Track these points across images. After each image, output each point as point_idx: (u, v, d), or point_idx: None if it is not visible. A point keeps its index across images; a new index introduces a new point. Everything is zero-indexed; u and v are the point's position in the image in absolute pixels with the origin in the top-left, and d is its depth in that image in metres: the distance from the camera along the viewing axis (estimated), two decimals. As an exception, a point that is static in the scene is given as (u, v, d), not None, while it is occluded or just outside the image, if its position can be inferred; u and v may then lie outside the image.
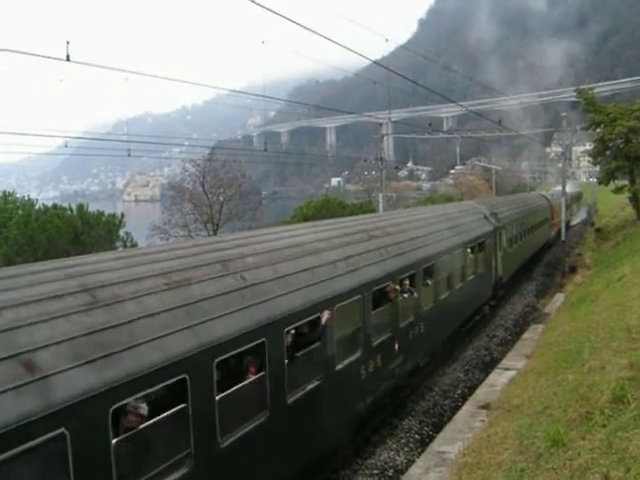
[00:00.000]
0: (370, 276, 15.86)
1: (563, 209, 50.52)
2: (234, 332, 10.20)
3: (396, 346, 17.46)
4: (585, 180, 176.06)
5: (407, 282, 18.48)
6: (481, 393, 18.36)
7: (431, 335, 20.81)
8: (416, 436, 17.73)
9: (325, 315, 13.02)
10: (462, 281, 24.98)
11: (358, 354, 15.01)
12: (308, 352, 12.84)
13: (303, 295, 12.78)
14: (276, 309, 11.63)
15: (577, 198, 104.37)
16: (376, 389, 16.18)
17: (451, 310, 23.55)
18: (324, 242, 15.38)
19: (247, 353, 10.98)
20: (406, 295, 18.41)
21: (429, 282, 20.75)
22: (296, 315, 12.22)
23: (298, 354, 12.48)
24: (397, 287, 17.41)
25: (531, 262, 47.84)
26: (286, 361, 11.85)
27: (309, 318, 12.78)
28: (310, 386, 12.83)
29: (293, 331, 12.44)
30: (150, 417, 8.38)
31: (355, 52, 23.60)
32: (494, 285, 32.04)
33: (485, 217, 31.39)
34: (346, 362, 14.38)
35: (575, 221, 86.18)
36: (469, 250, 26.11)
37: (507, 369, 20.58)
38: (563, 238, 49.70)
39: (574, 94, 57.61)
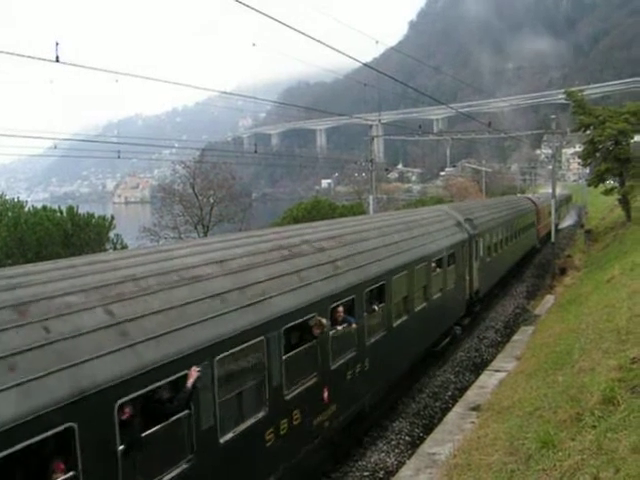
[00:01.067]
0: (280, 309, 12.09)
1: (553, 210, 50.55)
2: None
3: (325, 394, 14.06)
4: (574, 182, 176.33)
5: (341, 310, 14.81)
6: (471, 395, 18.39)
7: (381, 372, 17.33)
8: (407, 438, 17.74)
9: (193, 374, 9.38)
10: (425, 301, 21.47)
11: (260, 415, 11.50)
12: (165, 427, 9.11)
13: (158, 348, 9.03)
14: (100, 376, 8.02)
15: (566, 201, 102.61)
16: (292, 456, 12.67)
17: (410, 337, 19.90)
18: (213, 266, 11.61)
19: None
20: (341, 327, 14.93)
21: (377, 307, 17.17)
22: (138, 381, 8.50)
23: (154, 431, 8.92)
24: (324, 320, 13.64)
25: (516, 269, 45.97)
26: (119, 449, 8.21)
27: (163, 381, 9.06)
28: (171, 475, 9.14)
29: (134, 401, 8.58)
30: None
31: (345, 54, 23.63)
32: (468, 301, 28.93)
33: (458, 224, 28.27)
34: (238, 430, 10.84)
35: (564, 224, 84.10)
36: (435, 263, 22.83)
37: (497, 371, 20.62)
38: (553, 240, 49.76)
39: (564, 96, 57.84)
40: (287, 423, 12.30)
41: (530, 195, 72.18)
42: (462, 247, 27.27)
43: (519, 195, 75.16)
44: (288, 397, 12.35)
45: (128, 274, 9.82)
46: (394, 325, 18.38)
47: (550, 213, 59.15)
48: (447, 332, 25.79)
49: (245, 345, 10.90)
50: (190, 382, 9.36)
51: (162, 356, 8.95)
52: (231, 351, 10.48)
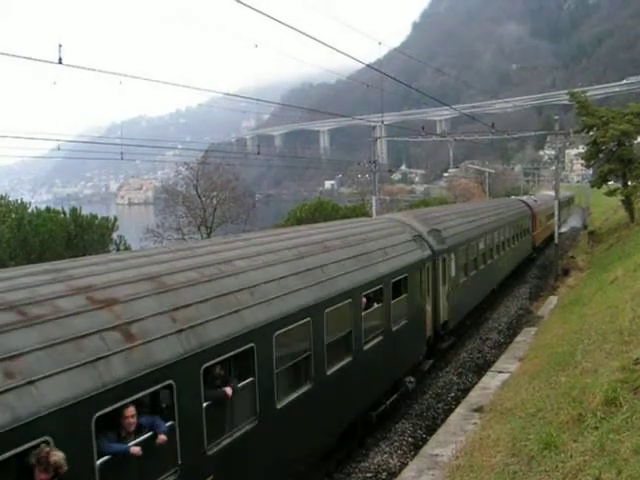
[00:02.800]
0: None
1: (556, 212, 50.30)
2: None
3: None
4: (577, 182, 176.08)
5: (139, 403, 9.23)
6: (474, 396, 18.39)
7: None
8: (409, 439, 17.75)
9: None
10: (349, 356, 15.33)
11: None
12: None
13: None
14: None
15: (567, 203, 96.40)
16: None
17: (315, 417, 13.91)
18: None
19: None
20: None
21: (246, 381, 11.29)
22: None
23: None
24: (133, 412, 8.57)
25: (505, 283, 40.59)
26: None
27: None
28: None
29: None
30: None
31: (349, 55, 23.64)
32: (431, 338, 23.05)
33: (416, 238, 21.99)
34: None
35: (564, 228, 74.30)
36: (370, 297, 16.95)
37: (500, 372, 20.62)
38: (556, 241, 49.67)
39: (567, 97, 57.80)
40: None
41: (525, 197, 64.19)
42: (420, 269, 21.15)
43: (513, 197, 67.43)
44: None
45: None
46: (278, 407, 12.16)
47: (549, 217, 59.09)
48: (394, 387, 19.35)
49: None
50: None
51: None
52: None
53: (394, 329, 18.49)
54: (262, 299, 11.90)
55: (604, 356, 14.09)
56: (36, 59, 20.20)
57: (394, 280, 18.57)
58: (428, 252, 22.33)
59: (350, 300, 15.25)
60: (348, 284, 15.36)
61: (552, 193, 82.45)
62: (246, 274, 12.24)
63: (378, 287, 17.30)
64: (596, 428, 10.01)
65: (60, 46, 18.30)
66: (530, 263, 52.83)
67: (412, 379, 20.44)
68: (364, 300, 16.35)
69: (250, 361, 11.23)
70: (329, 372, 14.27)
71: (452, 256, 25.71)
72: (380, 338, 17.40)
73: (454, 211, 33.65)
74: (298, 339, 13.26)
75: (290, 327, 12.53)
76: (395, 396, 19.23)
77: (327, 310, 13.98)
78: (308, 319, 13.21)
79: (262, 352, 11.42)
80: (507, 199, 63.67)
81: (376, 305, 17.35)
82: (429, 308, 22.53)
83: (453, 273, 25.83)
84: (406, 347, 19.91)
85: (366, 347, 16.34)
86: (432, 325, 23.00)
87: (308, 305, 13.25)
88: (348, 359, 15.26)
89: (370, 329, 16.71)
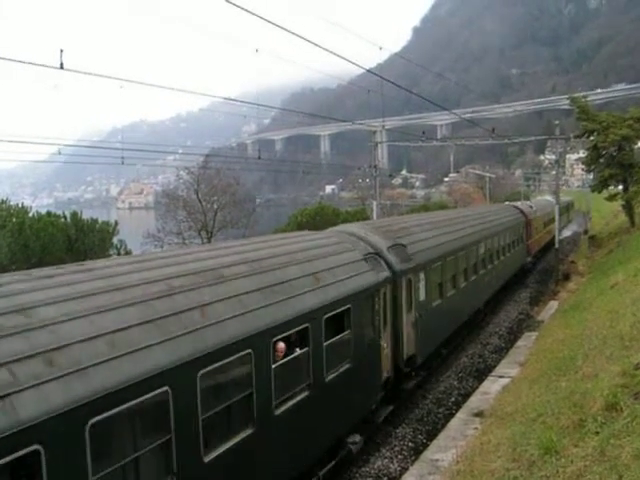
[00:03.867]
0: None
1: (557, 217, 50.26)
2: None
3: None
4: (577, 187, 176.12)
5: None
6: (475, 401, 18.40)
7: None
8: (410, 444, 17.75)
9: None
10: (246, 428, 11.22)
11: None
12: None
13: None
14: None
15: (567, 208, 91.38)
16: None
17: None
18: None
19: None
20: None
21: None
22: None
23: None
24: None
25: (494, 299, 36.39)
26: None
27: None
28: None
29: None
30: None
31: (349, 60, 23.70)
32: (390, 379, 18.70)
33: (370, 257, 17.92)
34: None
35: (562, 235, 66.34)
36: (292, 338, 13.33)
37: (501, 377, 20.63)
38: (557, 246, 49.60)
39: (567, 102, 57.87)
40: None
41: (519, 203, 57.56)
42: (372, 297, 16.97)
43: (506, 203, 60.46)
44: None
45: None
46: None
47: (546, 224, 58.22)
48: (333, 452, 15.21)
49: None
50: None
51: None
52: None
53: (329, 379, 14.29)
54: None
55: (605, 361, 14.09)
56: (38, 64, 20.24)
57: (329, 315, 14.18)
58: (386, 273, 18.09)
59: (250, 351, 11.11)
60: (246, 328, 11.18)
61: (549, 198, 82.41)
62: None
63: (302, 326, 13.15)
64: (597, 433, 10.00)
65: (62, 51, 18.35)
66: (525, 274, 48.91)
67: (358, 438, 15.98)
68: (281, 346, 12.49)
69: None
70: (208, 459, 10.01)
71: (421, 276, 21.29)
72: (305, 394, 13.20)
73: (428, 220, 28.57)
74: (146, 424, 9.30)
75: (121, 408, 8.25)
76: (332, 464, 14.86)
77: (202, 372, 9.80)
78: (166, 389, 9.01)
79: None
80: (498, 205, 57.55)
81: (299, 351, 13.28)
82: (386, 343, 17.95)
83: (423, 296, 21.34)
84: (349, 398, 15.55)
85: (279, 411, 12.17)
86: (391, 363, 18.49)
87: (165, 368, 9.02)
88: (246, 432, 11.06)
89: (287, 385, 12.58)
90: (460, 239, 28.18)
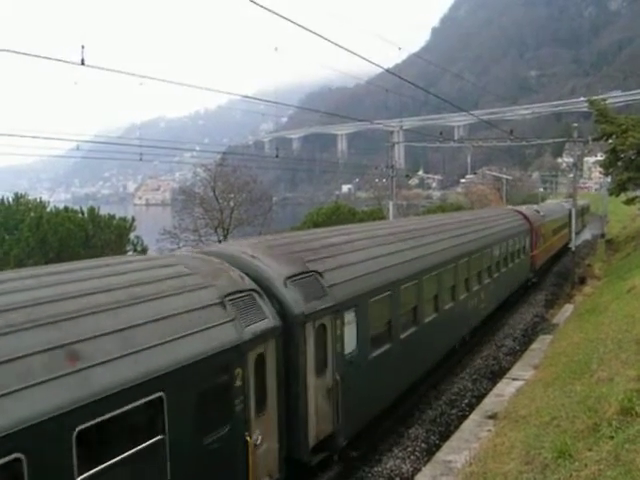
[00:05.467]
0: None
1: (573, 221, 49.88)
2: None
3: None
4: (595, 190, 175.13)
5: None
6: (488, 403, 18.35)
7: None
8: (423, 445, 17.70)
9: None
10: None
11: None
12: None
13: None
14: None
15: (582, 212, 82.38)
16: None
17: None
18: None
19: None
20: None
21: None
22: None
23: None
24: None
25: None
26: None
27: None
28: None
29: None
30: None
31: (368, 60, 23.66)
32: None
33: (233, 298, 11.50)
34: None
35: (577, 241, 56.92)
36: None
37: (515, 379, 20.56)
38: (573, 248, 49.29)
39: (586, 104, 57.62)
40: None
41: (525, 207, 49.01)
42: (227, 367, 10.65)
43: (510, 207, 51.91)
44: None
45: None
46: None
47: (556, 231, 54.07)
48: None
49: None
50: None
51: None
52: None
53: None
54: None
55: (620, 365, 14.04)
56: (59, 60, 20.35)
57: (96, 422, 7.85)
58: (267, 322, 11.85)
59: None
60: None
61: (559, 201, 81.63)
62: None
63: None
64: (611, 437, 9.97)
65: (83, 47, 18.45)
66: (528, 290, 42.22)
67: None
68: None
69: None
70: None
71: (348, 317, 14.73)
72: None
73: (375, 233, 20.46)
74: None
75: None
76: None
77: None
78: None
79: None
80: (496, 210, 48.73)
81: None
82: (263, 436, 11.51)
83: (351, 347, 14.79)
84: None
85: None
86: (278, 461, 12.10)
87: None
88: None
89: None
90: (427, 257, 21.10)
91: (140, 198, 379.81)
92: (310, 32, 18.05)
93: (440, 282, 21.99)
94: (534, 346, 26.23)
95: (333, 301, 13.93)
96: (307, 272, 13.92)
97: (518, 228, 38.21)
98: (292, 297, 12.84)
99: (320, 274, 14.24)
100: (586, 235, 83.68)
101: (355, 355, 14.97)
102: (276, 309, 12.31)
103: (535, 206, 54.31)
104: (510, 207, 51.26)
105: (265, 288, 12.54)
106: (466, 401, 21.32)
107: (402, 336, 18.13)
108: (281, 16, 16.47)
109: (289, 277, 13.24)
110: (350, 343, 14.72)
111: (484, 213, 40.56)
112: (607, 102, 57.82)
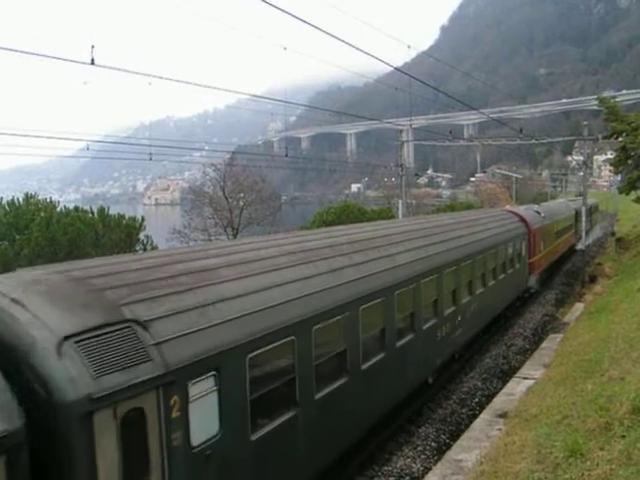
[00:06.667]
0: None
1: (584, 218, 49.65)
2: None
3: None
4: (604, 189, 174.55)
5: None
6: (499, 402, 18.28)
7: None
8: (433, 444, 17.68)
9: None
10: None
11: None
12: None
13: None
14: None
15: (589, 211, 69.53)
16: None
17: None
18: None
19: None
20: None
21: None
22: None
23: None
24: None
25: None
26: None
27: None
28: None
29: None
30: None
31: (377, 58, 23.59)
32: None
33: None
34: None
35: (580, 245, 55.15)
36: None
37: (525, 378, 20.47)
38: (583, 248, 49.05)
39: (596, 102, 57.41)
40: None
41: (523, 208, 44.49)
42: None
43: (508, 207, 46.57)
44: None
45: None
46: None
47: (559, 234, 50.03)
48: None
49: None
50: None
51: None
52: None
53: None
54: None
55: (631, 364, 13.99)
56: (69, 60, 20.36)
57: None
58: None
59: None
60: None
61: (563, 200, 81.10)
62: None
63: None
64: (623, 437, 9.94)
65: (93, 47, 18.46)
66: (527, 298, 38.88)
67: None
68: None
69: None
70: None
71: (202, 386, 9.35)
72: None
73: (287, 248, 14.26)
74: None
75: None
76: None
77: None
78: None
79: None
80: (487, 212, 41.60)
81: None
82: None
83: (207, 433, 9.50)
84: None
85: None
86: None
87: None
88: None
89: None
90: (366, 280, 15.21)
91: (149, 198, 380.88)
92: (319, 30, 18.02)
93: (388, 312, 16.20)
94: (544, 345, 26.13)
95: (163, 368, 8.52)
96: (115, 323, 8.47)
97: (512, 232, 33.19)
98: (67, 372, 7.63)
99: (143, 324, 8.71)
100: (595, 234, 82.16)
101: (217, 443, 9.66)
102: (33, 396, 7.39)
103: (535, 206, 48.94)
104: (508, 207, 46.19)
105: (18, 359, 7.60)
106: (476, 400, 21.29)
107: (317, 396, 12.55)
108: (290, 14, 16.44)
109: (70, 336, 7.93)
110: (204, 426, 9.44)
111: (471, 216, 32.71)
112: (617, 100, 57.57)
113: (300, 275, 13.06)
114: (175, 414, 8.70)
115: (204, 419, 9.41)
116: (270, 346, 10.96)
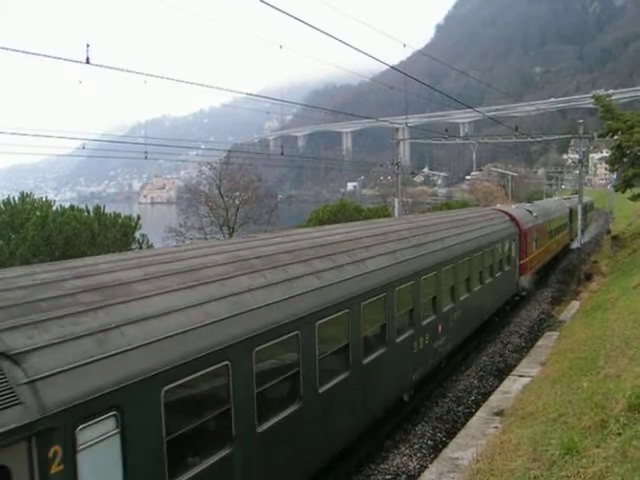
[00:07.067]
0: None
1: (580, 216, 49.67)
2: None
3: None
4: (599, 187, 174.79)
5: None
6: (495, 400, 18.30)
7: None
8: (429, 442, 17.70)
9: None
10: None
11: None
12: None
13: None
14: None
15: (584, 209, 66.41)
16: None
17: None
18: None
19: None
20: None
21: None
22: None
23: None
24: None
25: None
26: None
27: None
28: None
29: None
30: None
31: (372, 57, 23.58)
32: None
33: None
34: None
35: (575, 244, 54.87)
36: None
37: (521, 376, 20.50)
38: (580, 246, 49.08)
39: (591, 101, 57.47)
40: None
41: (514, 207, 42.42)
42: None
43: (498, 206, 43.79)
44: None
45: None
46: None
47: (552, 234, 49.06)
48: None
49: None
50: None
51: None
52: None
53: None
54: None
55: (627, 362, 14.01)
56: (64, 59, 20.34)
57: None
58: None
59: None
60: None
61: (556, 199, 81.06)
62: None
63: None
64: (619, 434, 9.95)
65: (88, 46, 18.44)
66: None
67: None
68: None
69: None
70: None
71: (99, 430, 7.41)
72: None
73: (236, 254, 12.47)
74: None
75: None
76: None
77: None
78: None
79: None
80: (476, 211, 39.28)
81: None
82: None
83: None
84: None
85: None
86: None
87: None
88: None
89: None
90: (325, 291, 13.33)
91: (145, 196, 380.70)
92: (315, 29, 18.01)
93: (353, 326, 14.25)
94: (540, 343, 26.15)
95: (37, 412, 6.67)
96: None
97: (502, 232, 31.51)
98: None
99: (13, 357, 6.85)
100: (590, 232, 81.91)
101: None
102: None
103: (527, 205, 47.52)
104: (499, 206, 43.50)
105: None
106: (472, 398, 21.32)
107: (260, 430, 10.68)
108: (285, 12, 16.43)
109: None
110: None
111: (457, 216, 30.42)
112: (612, 98, 57.62)
113: (240, 288, 11.04)
114: (55, 469, 6.78)
115: (102, 470, 7.58)
116: (191, 376, 8.93)
